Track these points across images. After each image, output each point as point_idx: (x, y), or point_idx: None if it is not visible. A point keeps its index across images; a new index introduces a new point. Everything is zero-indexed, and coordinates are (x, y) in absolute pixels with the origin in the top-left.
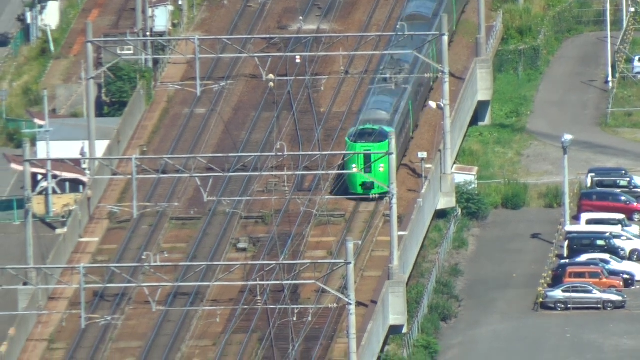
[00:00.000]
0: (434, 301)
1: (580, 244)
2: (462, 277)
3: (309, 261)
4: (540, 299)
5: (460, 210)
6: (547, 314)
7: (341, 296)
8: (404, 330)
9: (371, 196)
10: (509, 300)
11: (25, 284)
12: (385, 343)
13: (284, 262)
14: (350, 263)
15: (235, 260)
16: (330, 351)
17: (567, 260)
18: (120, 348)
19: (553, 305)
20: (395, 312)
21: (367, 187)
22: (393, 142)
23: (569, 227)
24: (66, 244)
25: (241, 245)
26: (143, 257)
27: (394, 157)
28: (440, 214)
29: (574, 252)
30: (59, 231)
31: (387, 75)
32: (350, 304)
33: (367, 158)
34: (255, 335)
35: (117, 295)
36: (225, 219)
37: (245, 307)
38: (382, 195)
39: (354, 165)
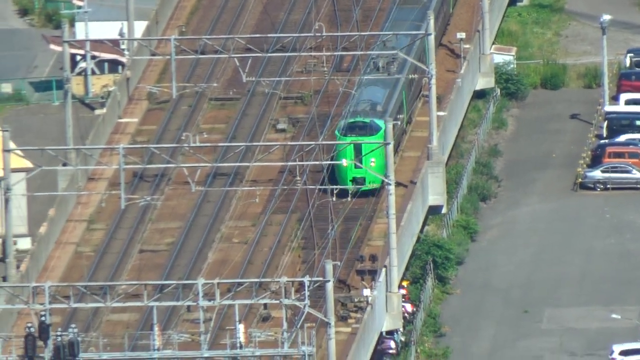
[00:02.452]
0: (473, 181)
1: (620, 124)
2: (501, 157)
3: (349, 142)
4: (580, 179)
5: (499, 91)
6: (586, 194)
7: (381, 177)
8: (444, 211)
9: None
10: (548, 180)
11: (64, 164)
12: (424, 223)
13: (324, 142)
14: (389, 143)
15: (274, 140)
16: (370, 231)
17: (606, 141)
18: (160, 228)
19: (592, 186)
20: (435, 192)
21: (358, 182)
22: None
23: (608, 108)
24: (105, 124)
25: (280, 126)
26: (182, 137)
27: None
28: (479, 94)
29: (613, 132)
30: (98, 112)
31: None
32: (390, 184)
33: (358, 151)
34: (294, 215)
35: (157, 176)
36: (264, 100)
37: (285, 187)
38: (374, 191)
39: (343, 159)
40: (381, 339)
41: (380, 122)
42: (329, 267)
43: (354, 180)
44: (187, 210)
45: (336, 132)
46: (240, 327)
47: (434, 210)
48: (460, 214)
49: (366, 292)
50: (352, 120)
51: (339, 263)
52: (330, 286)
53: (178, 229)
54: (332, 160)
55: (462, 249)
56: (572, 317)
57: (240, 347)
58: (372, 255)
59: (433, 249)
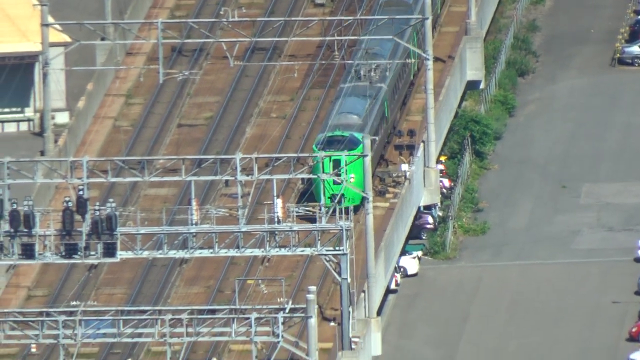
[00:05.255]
0: (512, 57)
1: None
2: (540, 32)
3: (386, 17)
4: (618, 55)
5: None
6: (624, 69)
7: (419, 51)
8: (482, 86)
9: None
10: (586, 55)
11: (103, 39)
12: (462, 98)
13: (362, 17)
14: (427, 18)
15: (313, 15)
16: (408, 107)
17: None
18: (198, 103)
19: (630, 61)
20: (473, 67)
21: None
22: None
23: None
24: None
25: (319, 1)
26: (221, 12)
27: (368, 159)
28: None
29: None
30: None
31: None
32: (428, 59)
33: (336, 167)
34: (332, 90)
35: (195, 51)
36: None
37: (323, 62)
38: (355, 207)
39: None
40: (419, 214)
41: (359, 136)
42: (367, 142)
43: (332, 197)
44: (225, 84)
45: (314, 146)
46: (278, 202)
47: (472, 86)
48: (498, 89)
49: (404, 167)
50: (330, 134)
51: (376, 138)
52: (368, 161)
53: (216, 103)
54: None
55: (500, 124)
56: (610, 192)
57: (278, 221)
58: (410, 130)
59: (471, 124)
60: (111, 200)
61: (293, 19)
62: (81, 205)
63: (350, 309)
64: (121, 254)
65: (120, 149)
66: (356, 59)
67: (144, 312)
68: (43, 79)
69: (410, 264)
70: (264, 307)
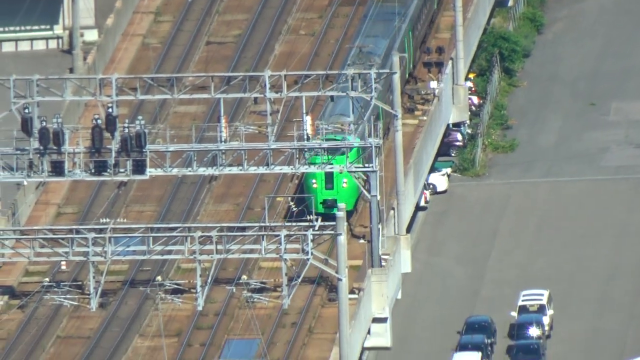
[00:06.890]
0: None
1: None
2: None
3: None
4: None
5: None
6: None
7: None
8: (510, 3)
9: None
10: None
11: None
12: (491, 16)
13: None
14: None
15: None
16: (436, 24)
17: None
18: (227, 20)
19: None
20: None
21: (329, 205)
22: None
23: None
24: None
25: None
26: None
27: (397, 77)
28: None
29: None
30: None
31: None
32: None
33: (329, 172)
34: (361, 7)
35: None
36: None
37: None
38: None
39: (313, 181)
40: (448, 132)
41: (352, 139)
42: (396, 59)
43: (325, 203)
44: (254, 2)
45: (305, 153)
46: (307, 119)
47: (500, 3)
48: (527, 6)
49: (433, 84)
50: (322, 138)
51: (405, 55)
52: (397, 78)
53: (245, 20)
54: (300, 182)
55: (528, 41)
56: (638, 109)
57: (307, 138)
58: (439, 47)
59: (499, 42)
60: (140, 117)
61: None
62: (110, 122)
63: (380, 226)
64: (150, 171)
65: (149, 66)
66: (350, 57)
67: (173, 229)
68: None
69: (440, 181)
70: (294, 224)
